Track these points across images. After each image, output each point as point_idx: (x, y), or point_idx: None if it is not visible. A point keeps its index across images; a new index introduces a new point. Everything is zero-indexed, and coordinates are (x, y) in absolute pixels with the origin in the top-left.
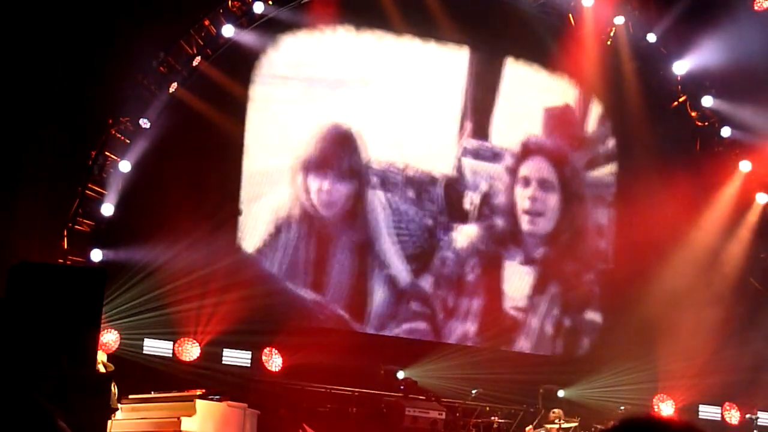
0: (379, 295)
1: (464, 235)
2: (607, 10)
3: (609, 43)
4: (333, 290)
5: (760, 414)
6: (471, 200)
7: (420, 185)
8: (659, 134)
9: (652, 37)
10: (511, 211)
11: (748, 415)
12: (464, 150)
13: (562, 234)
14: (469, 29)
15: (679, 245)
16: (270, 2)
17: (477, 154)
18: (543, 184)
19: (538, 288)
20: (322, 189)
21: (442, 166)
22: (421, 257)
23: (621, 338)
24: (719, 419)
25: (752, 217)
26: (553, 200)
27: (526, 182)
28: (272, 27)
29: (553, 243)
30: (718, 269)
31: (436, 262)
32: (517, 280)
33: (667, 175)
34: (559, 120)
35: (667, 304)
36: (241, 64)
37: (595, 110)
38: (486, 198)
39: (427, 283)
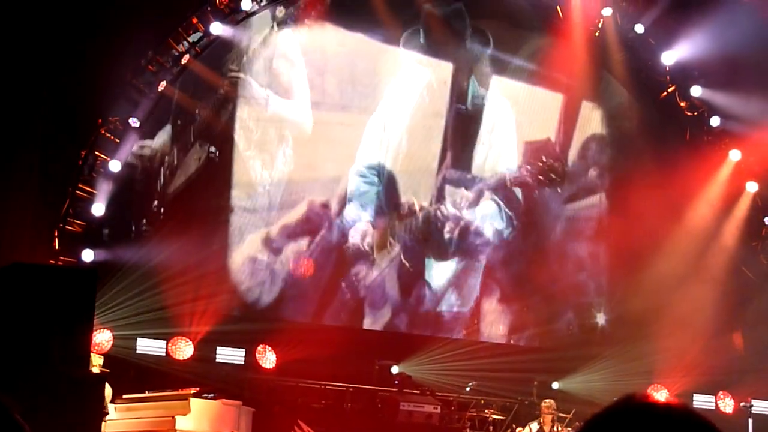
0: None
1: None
2: (594, 2)
3: (597, 34)
4: (325, 286)
5: (754, 402)
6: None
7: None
8: (649, 124)
9: (640, 28)
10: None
11: (742, 404)
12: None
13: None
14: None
15: (671, 235)
16: None
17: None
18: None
19: (528, 287)
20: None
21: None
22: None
23: (616, 329)
24: (713, 408)
25: (742, 205)
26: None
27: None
28: (260, 24)
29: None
30: (710, 258)
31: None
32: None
33: (658, 165)
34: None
35: (661, 294)
36: (229, 61)
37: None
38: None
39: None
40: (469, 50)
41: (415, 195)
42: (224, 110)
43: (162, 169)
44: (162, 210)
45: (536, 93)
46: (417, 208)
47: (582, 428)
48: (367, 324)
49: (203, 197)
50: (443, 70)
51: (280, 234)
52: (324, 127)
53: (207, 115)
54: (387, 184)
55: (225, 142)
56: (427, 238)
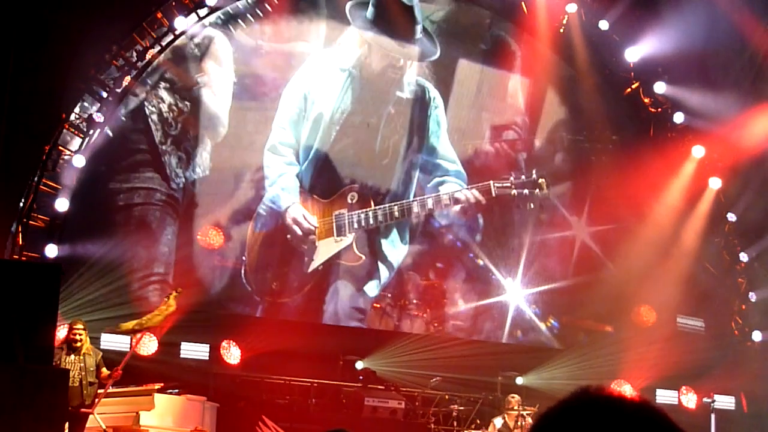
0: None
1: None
2: None
3: (562, 30)
4: (291, 282)
5: (716, 397)
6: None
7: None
8: (613, 121)
9: (604, 25)
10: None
11: (705, 399)
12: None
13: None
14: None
15: (634, 230)
16: None
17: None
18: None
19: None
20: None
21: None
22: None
23: (580, 324)
24: (676, 403)
25: (705, 201)
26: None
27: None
28: (225, 19)
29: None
30: (673, 254)
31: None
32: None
33: (621, 161)
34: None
35: (625, 291)
36: (194, 56)
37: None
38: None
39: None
40: (416, 46)
41: (372, 180)
42: (190, 105)
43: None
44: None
45: (501, 77)
46: (374, 194)
47: (537, 422)
48: (327, 319)
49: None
50: (386, 54)
51: (229, 221)
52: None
53: (172, 110)
54: (320, 167)
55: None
56: (388, 226)
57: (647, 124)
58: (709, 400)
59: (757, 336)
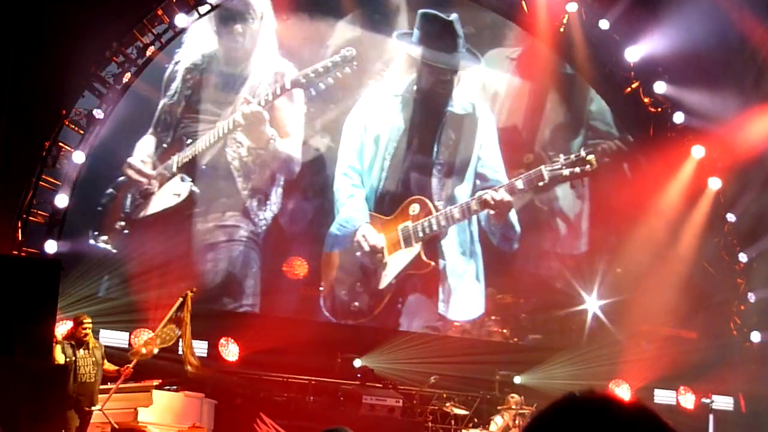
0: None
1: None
2: None
3: (562, 30)
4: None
5: (715, 398)
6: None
7: None
8: (613, 120)
9: (604, 24)
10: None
11: (703, 399)
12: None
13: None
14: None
15: (634, 230)
16: None
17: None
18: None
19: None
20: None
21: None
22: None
23: (577, 323)
24: (674, 403)
25: (705, 202)
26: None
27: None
28: (225, 16)
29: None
30: (673, 254)
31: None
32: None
33: (621, 160)
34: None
35: (625, 290)
36: (193, 54)
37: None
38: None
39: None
40: (460, 60)
41: (431, 191)
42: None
43: (133, 193)
44: (126, 231)
45: (503, 79)
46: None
47: (528, 425)
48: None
49: (178, 228)
50: (433, 70)
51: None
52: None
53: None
54: (382, 187)
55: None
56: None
57: (647, 124)
58: (708, 401)
59: (755, 336)
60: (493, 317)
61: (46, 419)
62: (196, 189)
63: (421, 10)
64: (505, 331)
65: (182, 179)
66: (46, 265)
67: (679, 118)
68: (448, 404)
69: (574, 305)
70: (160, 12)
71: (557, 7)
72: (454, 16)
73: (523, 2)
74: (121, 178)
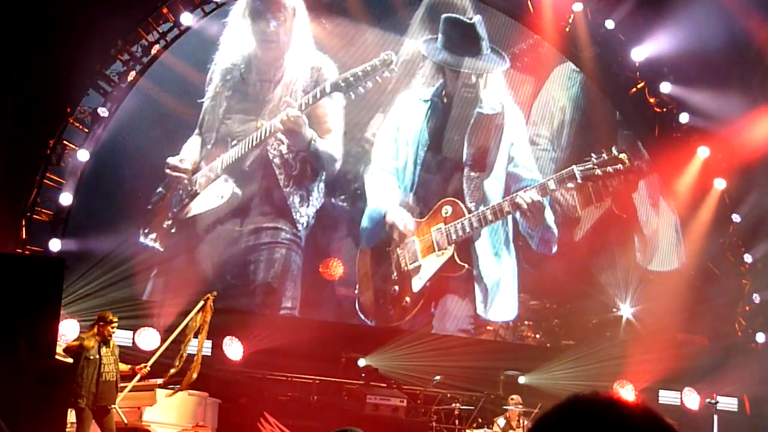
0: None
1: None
2: None
3: (567, 30)
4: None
5: (719, 399)
6: None
7: None
8: (618, 120)
9: (610, 24)
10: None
11: (707, 400)
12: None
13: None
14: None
15: (640, 230)
16: None
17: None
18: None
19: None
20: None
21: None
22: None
23: (583, 324)
24: (679, 404)
25: (710, 202)
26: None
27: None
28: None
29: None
30: (679, 254)
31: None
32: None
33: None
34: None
35: (629, 290)
36: (199, 52)
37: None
38: None
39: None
40: (485, 62)
41: (463, 192)
42: (194, 101)
43: (179, 192)
44: (173, 230)
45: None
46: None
47: (532, 427)
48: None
49: (220, 229)
50: (458, 74)
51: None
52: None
53: (176, 106)
54: (416, 190)
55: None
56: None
57: (652, 124)
58: (712, 402)
59: (761, 337)
60: (526, 322)
61: (49, 418)
62: (238, 191)
63: (444, 15)
64: (538, 335)
65: (225, 180)
66: (50, 263)
67: (684, 118)
68: (452, 404)
69: (607, 311)
70: (165, 10)
71: (563, 7)
72: (476, 18)
73: (529, 2)
74: (167, 180)
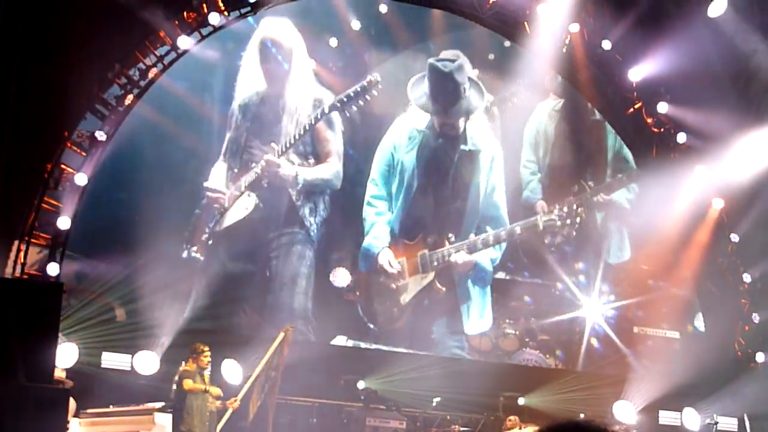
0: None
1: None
2: (562, 18)
3: (564, 50)
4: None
5: (719, 419)
6: None
7: None
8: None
9: (607, 44)
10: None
11: (708, 421)
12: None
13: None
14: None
15: (638, 249)
16: (226, 13)
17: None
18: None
19: (500, 301)
20: None
21: None
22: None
23: (583, 345)
24: (679, 424)
25: (709, 222)
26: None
27: None
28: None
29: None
30: (677, 273)
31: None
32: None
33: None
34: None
35: (629, 311)
36: (198, 75)
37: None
38: None
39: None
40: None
41: (447, 223)
42: (193, 124)
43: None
44: (210, 242)
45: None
46: (447, 235)
47: None
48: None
49: (247, 237)
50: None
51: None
52: None
53: (175, 129)
54: (406, 214)
55: (195, 158)
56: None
57: (650, 144)
58: (712, 422)
59: (760, 357)
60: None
61: None
62: (260, 203)
63: (429, 60)
64: (516, 332)
65: (248, 195)
66: (48, 287)
67: (682, 138)
68: (451, 426)
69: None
70: (162, 33)
71: (559, 28)
72: (454, 65)
73: (525, 23)
74: (204, 201)
